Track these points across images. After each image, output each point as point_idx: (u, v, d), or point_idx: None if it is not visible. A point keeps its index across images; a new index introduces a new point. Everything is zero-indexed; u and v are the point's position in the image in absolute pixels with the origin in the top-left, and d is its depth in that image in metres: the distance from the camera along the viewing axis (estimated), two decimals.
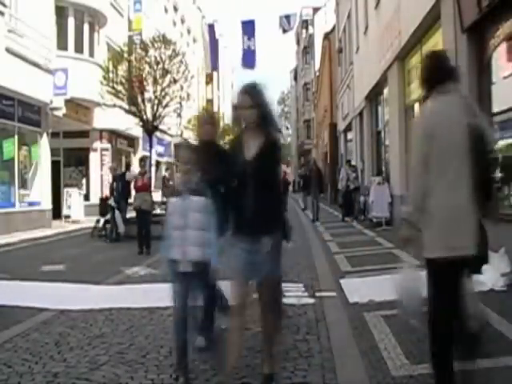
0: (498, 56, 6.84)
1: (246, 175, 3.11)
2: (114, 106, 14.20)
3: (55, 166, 17.57)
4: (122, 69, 13.97)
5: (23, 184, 15.21)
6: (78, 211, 17.93)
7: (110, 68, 14.36)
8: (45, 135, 15.94)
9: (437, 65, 2.94)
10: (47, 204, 16.00)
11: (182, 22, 34.18)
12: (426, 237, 2.81)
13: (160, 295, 5.82)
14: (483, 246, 2.96)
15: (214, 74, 45.94)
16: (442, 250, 2.72)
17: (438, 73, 2.89)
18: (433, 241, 2.78)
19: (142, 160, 10.39)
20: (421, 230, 2.83)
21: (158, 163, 26.92)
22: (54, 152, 16.90)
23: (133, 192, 10.61)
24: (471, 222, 2.75)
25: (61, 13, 17.13)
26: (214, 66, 20.33)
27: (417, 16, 9.51)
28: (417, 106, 11.40)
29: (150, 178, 10.65)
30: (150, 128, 13.72)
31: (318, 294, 5.57)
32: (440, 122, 2.77)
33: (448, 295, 2.76)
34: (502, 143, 6.97)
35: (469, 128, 2.76)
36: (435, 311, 2.78)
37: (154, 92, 13.44)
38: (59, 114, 16.34)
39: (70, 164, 20.12)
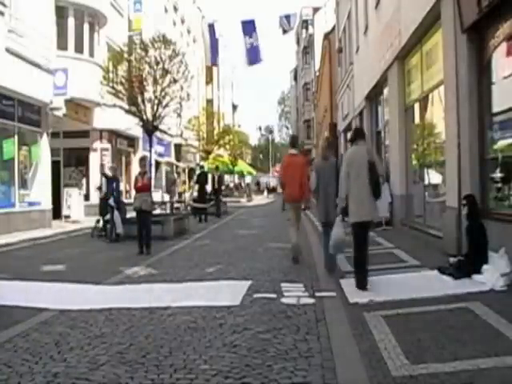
0: (498, 56, 6.84)
1: None
2: (114, 105, 14.19)
3: (55, 165, 17.57)
4: (122, 69, 13.95)
5: (23, 184, 15.20)
6: (78, 211, 17.93)
7: (110, 68, 14.34)
8: (45, 135, 15.93)
9: (356, 133, 6.37)
10: (47, 204, 15.99)
11: (182, 22, 34.19)
12: (350, 212, 6.02)
13: (160, 295, 5.84)
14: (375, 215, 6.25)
15: (215, 73, 45.99)
16: (356, 218, 5.92)
17: (355, 136, 6.26)
18: (351, 214, 5.99)
19: (142, 160, 10.34)
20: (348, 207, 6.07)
21: (157, 163, 26.94)
22: (53, 152, 16.89)
23: (133, 192, 10.63)
24: (369, 204, 5.87)
25: (61, 13, 17.12)
26: (214, 61, 20.35)
27: (417, 16, 9.51)
28: (417, 105, 11.42)
29: (149, 178, 10.63)
30: (150, 128, 13.70)
31: (317, 294, 5.57)
32: (354, 157, 5.97)
33: (359, 238, 6.00)
34: (502, 143, 6.97)
35: (368, 160, 5.83)
36: (355, 245, 6.01)
37: (154, 92, 13.42)
38: (59, 113, 16.33)
39: (70, 164, 20.12)
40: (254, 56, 16.47)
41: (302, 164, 8.14)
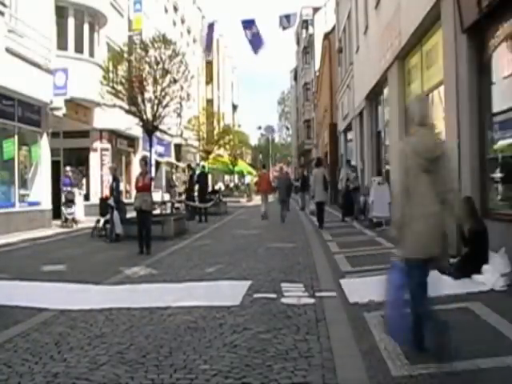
0: (498, 56, 6.84)
1: None
2: (114, 105, 14.19)
3: (55, 165, 17.56)
4: (122, 69, 13.95)
5: (23, 184, 15.20)
6: (78, 211, 17.90)
7: (110, 68, 14.35)
8: (45, 135, 15.92)
9: (318, 162, 14.92)
10: (47, 204, 15.99)
11: (182, 21, 34.18)
12: (315, 196, 13.60)
13: (160, 295, 5.84)
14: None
15: (215, 73, 45.96)
16: (317, 199, 13.38)
17: (317, 164, 14.67)
18: (316, 197, 13.47)
19: (143, 160, 10.32)
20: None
21: (157, 163, 26.91)
22: (53, 152, 16.88)
23: (133, 192, 10.61)
24: (323, 194, 13.59)
25: (61, 13, 17.11)
26: (208, 52, 20.28)
27: (417, 16, 9.51)
28: None
29: (150, 178, 10.61)
30: (150, 128, 13.70)
31: (317, 294, 5.57)
32: (317, 174, 13.90)
33: (320, 210, 13.32)
34: (502, 143, 6.97)
35: (323, 175, 13.71)
36: (317, 212, 13.59)
37: (154, 92, 13.42)
38: (59, 113, 16.33)
39: (70, 164, 20.07)
40: (257, 43, 16.44)
41: (268, 176, 19.09)
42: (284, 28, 16.47)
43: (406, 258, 3.53)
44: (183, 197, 20.29)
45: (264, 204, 17.19)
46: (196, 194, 18.84)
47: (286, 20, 16.52)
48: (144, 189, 9.94)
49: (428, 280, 3.59)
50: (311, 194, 14.93)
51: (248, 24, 16.50)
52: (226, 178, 53.62)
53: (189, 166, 22.54)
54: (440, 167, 3.48)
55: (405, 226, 3.46)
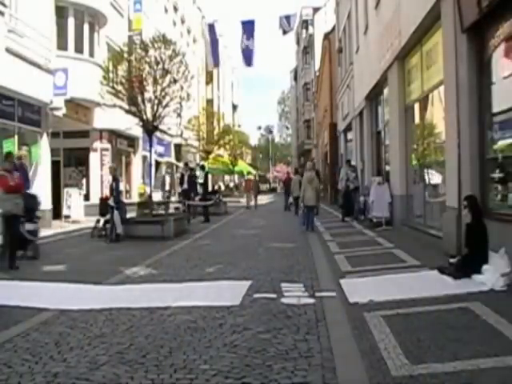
0: (498, 56, 6.84)
1: None
2: (114, 106, 14.16)
3: (55, 165, 17.56)
4: (122, 69, 13.92)
5: None
6: (78, 211, 17.92)
7: (110, 68, 14.31)
8: (45, 135, 15.91)
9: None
10: (47, 204, 15.97)
11: (182, 22, 34.18)
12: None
13: (160, 295, 5.84)
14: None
15: (215, 73, 45.96)
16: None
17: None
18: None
19: (8, 156, 8.82)
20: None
21: (157, 163, 26.90)
22: (54, 152, 16.87)
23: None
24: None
25: (61, 13, 17.10)
26: (216, 62, 20.23)
27: (417, 16, 9.51)
28: (417, 105, 11.42)
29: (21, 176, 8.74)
30: (150, 128, 13.68)
31: (317, 294, 5.57)
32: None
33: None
34: (502, 143, 6.97)
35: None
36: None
37: (154, 92, 13.39)
38: (59, 113, 16.32)
39: (70, 164, 20.10)
40: (247, 58, 16.58)
41: (250, 180, 27.81)
42: (284, 32, 16.50)
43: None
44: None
45: (247, 199, 26.02)
46: (194, 194, 18.71)
47: (285, 21, 16.54)
48: (17, 189, 8.29)
49: (309, 214, 12.66)
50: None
51: (248, 26, 16.53)
52: (226, 178, 53.62)
53: (186, 164, 22.35)
54: (312, 182, 12.49)
55: (303, 196, 12.55)
